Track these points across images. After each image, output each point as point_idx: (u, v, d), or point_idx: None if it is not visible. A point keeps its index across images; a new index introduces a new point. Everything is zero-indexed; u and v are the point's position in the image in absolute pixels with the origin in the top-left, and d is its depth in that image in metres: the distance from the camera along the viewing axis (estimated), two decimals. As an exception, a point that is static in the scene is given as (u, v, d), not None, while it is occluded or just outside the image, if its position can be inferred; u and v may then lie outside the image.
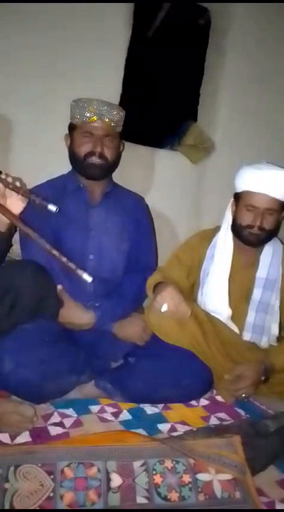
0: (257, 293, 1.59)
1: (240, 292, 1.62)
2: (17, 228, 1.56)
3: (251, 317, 1.59)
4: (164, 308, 1.41)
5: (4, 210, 1.30)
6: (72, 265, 1.17)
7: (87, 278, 1.18)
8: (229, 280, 1.62)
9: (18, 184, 1.33)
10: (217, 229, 1.71)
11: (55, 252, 1.18)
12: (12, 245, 1.57)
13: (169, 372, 1.44)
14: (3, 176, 1.33)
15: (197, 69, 2.41)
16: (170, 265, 1.70)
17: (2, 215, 1.32)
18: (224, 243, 1.65)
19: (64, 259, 1.17)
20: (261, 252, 1.63)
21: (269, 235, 1.57)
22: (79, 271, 1.17)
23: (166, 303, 1.41)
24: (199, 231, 1.79)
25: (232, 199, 1.66)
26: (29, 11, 1.87)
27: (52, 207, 1.24)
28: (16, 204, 1.36)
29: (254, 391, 1.47)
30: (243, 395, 1.47)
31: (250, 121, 2.29)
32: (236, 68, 2.24)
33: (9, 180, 1.33)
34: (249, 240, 1.58)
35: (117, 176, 1.78)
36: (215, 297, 1.62)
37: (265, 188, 1.51)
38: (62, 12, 1.92)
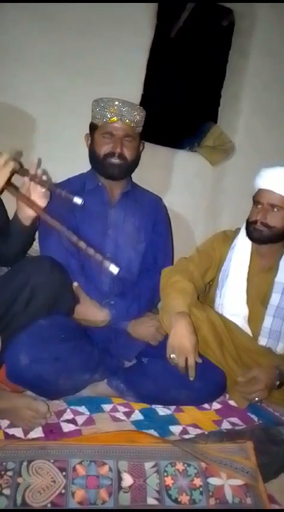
0: (275, 298, 1.58)
1: (257, 296, 1.61)
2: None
3: (268, 322, 1.57)
4: (173, 356, 1.40)
5: (31, 203, 1.32)
6: (98, 256, 1.17)
7: (114, 269, 1.18)
8: (246, 283, 1.61)
9: (44, 178, 1.35)
10: (237, 231, 1.71)
11: (82, 244, 1.18)
12: (35, 239, 1.59)
13: (181, 374, 1.44)
14: (31, 171, 1.34)
15: (219, 71, 2.40)
16: (190, 261, 1.68)
17: (29, 208, 1.34)
18: (242, 246, 1.64)
19: (91, 250, 1.17)
20: (281, 256, 1.62)
21: (275, 233, 1.56)
22: (106, 262, 1.17)
23: (175, 355, 1.39)
24: (222, 231, 1.78)
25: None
26: (51, 11, 1.89)
27: (77, 200, 1.25)
28: (41, 198, 1.39)
29: (267, 395, 1.46)
30: (256, 398, 1.45)
31: (272, 123, 2.27)
32: (258, 70, 2.22)
33: (37, 172, 1.34)
34: (254, 236, 1.59)
35: (135, 176, 1.78)
36: (233, 299, 1.61)
37: (269, 184, 1.54)
38: (84, 12, 1.93)
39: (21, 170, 1.33)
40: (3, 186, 1.24)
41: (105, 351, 1.54)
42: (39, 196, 1.39)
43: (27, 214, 1.42)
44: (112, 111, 1.56)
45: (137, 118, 1.60)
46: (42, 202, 1.40)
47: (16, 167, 1.26)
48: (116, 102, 1.57)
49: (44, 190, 1.38)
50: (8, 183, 1.23)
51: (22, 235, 1.48)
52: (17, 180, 1.38)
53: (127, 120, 1.58)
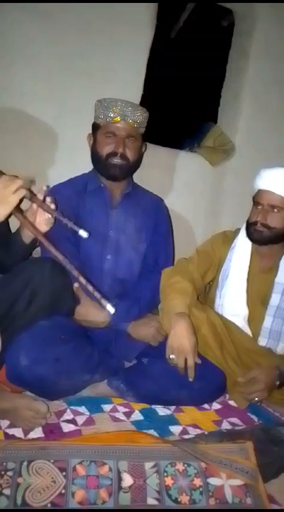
0: (275, 298, 1.58)
1: (257, 296, 1.61)
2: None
3: (268, 322, 1.58)
4: (172, 357, 1.40)
5: (34, 229, 1.33)
6: (97, 294, 1.18)
7: (110, 309, 1.19)
8: (246, 283, 1.61)
9: (52, 206, 1.36)
10: (237, 231, 1.71)
11: (82, 280, 1.18)
12: (32, 253, 1.60)
13: (181, 374, 1.44)
14: (39, 196, 1.35)
15: (219, 71, 2.41)
16: (189, 261, 1.69)
17: (31, 232, 1.35)
18: (243, 246, 1.65)
19: (90, 287, 1.18)
20: (281, 257, 1.62)
21: (275, 234, 1.56)
22: (104, 302, 1.18)
23: (175, 355, 1.40)
24: (222, 232, 1.78)
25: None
26: (51, 11, 1.89)
27: (83, 233, 1.25)
28: (44, 224, 1.41)
29: (267, 395, 1.46)
30: (256, 398, 1.45)
31: (272, 124, 2.27)
32: (259, 70, 2.22)
33: (47, 200, 1.36)
34: (254, 237, 1.59)
35: (136, 177, 1.79)
36: (233, 300, 1.61)
37: (269, 185, 1.54)
38: (84, 13, 1.93)
39: (30, 195, 1.33)
40: (11, 211, 1.24)
41: (106, 352, 1.54)
42: (43, 222, 1.41)
43: (29, 235, 1.45)
44: (115, 111, 1.56)
45: (140, 118, 1.60)
46: (44, 228, 1.41)
47: (27, 195, 1.26)
48: (119, 103, 1.57)
49: (48, 217, 1.40)
50: (16, 209, 1.24)
51: (21, 250, 1.50)
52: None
53: (130, 121, 1.58)
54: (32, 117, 1.92)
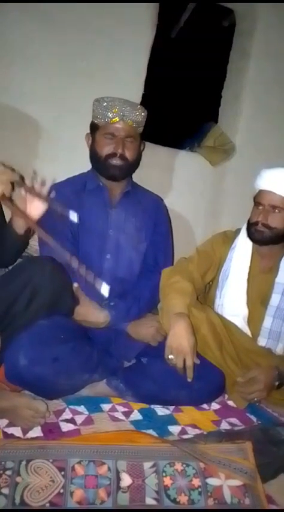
0: (275, 299, 1.58)
1: (257, 297, 1.61)
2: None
3: (268, 322, 1.57)
4: (171, 357, 1.40)
5: (25, 215, 1.32)
6: (90, 276, 1.18)
7: (105, 289, 1.18)
8: (246, 284, 1.61)
9: (42, 190, 1.36)
10: (237, 231, 1.71)
11: (74, 263, 1.18)
12: (28, 243, 1.59)
13: (180, 374, 1.44)
14: (28, 181, 1.35)
15: (220, 71, 2.41)
16: (189, 261, 1.69)
17: (23, 219, 1.34)
18: (243, 246, 1.65)
19: (82, 269, 1.18)
20: (281, 257, 1.62)
21: (276, 234, 1.56)
22: (98, 283, 1.17)
23: (174, 356, 1.39)
24: (222, 232, 1.78)
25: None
26: (52, 11, 1.89)
27: (73, 216, 1.25)
28: (37, 208, 1.41)
29: (266, 395, 1.46)
30: (255, 399, 1.46)
31: (273, 124, 2.27)
32: (259, 71, 2.22)
33: (35, 186, 1.35)
34: (255, 237, 1.59)
35: (136, 176, 1.78)
36: (233, 300, 1.61)
37: (270, 185, 1.54)
38: (84, 13, 1.93)
39: (18, 182, 1.33)
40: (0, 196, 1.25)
41: (105, 351, 1.54)
42: (35, 207, 1.40)
43: (21, 224, 1.43)
44: (114, 111, 1.55)
45: (139, 118, 1.60)
46: (37, 213, 1.41)
47: (16, 180, 1.26)
48: (118, 102, 1.56)
49: (39, 202, 1.39)
50: (5, 196, 1.24)
51: (15, 242, 1.49)
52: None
53: (129, 121, 1.57)
54: (31, 116, 1.92)
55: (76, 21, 1.93)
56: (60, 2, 1.89)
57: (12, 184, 1.31)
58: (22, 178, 1.33)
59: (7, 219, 1.54)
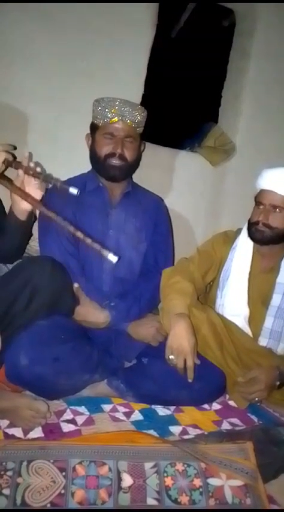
0: (276, 299, 1.58)
1: (258, 296, 1.61)
2: (36, 221, 1.59)
3: (269, 322, 1.57)
4: (171, 357, 1.40)
5: (26, 195, 1.31)
6: (96, 246, 1.16)
7: (112, 258, 1.16)
8: (247, 284, 1.61)
9: (38, 170, 1.35)
10: (238, 231, 1.71)
11: (79, 234, 1.17)
12: (32, 234, 1.59)
13: (181, 374, 1.44)
14: (23, 163, 1.34)
15: (220, 71, 2.41)
16: (190, 261, 1.68)
17: (24, 200, 1.34)
18: (244, 246, 1.65)
19: (88, 240, 1.16)
20: (282, 257, 1.62)
21: (277, 234, 1.56)
22: (104, 252, 1.16)
23: (174, 356, 1.39)
24: (223, 232, 1.78)
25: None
26: (52, 11, 1.89)
27: (73, 190, 1.24)
28: (36, 190, 1.39)
29: (267, 395, 1.46)
30: (256, 399, 1.45)
31: (273, 124, 2.27)
32: (259, 71, 2.22)
33: (30, 165, 1.34)
34: (256, 237, 1.59)
35: (136, 176, 1.78)
36: (233, 300, 1.61)
37: (271, 185, 1.54)
38: (84, 13, 1.93)
39: (14, 163, 1.33)
40: None
41: (105, 352, 1.54)
42: (34, 188, 1.39)
43: (22, 208, 1.41)
44: (113, 111, 1.55)
45: (138, 118, 1.60)
46: (37, 194, 1.39)
47: (9, 157, 1.25)
48: (117, 102, 1.56)
49: (38, 182, 1.38)
50: (2, 176, 1.23)
51: (18, 231, 1.47)
52: (11, 174, 1.38)
53: (128, 121, 1.57)
54: (31, 116, 1.92)
55: (76, 21, 1.93)
56: (60, 2, 1.88)
57: (8, 166, 1.30)
58: (15, 158, 1.32)
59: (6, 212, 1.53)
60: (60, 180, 1.29)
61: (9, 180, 1.37)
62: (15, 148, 1.38)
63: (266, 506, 0.99)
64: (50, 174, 1.36)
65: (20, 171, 1.35)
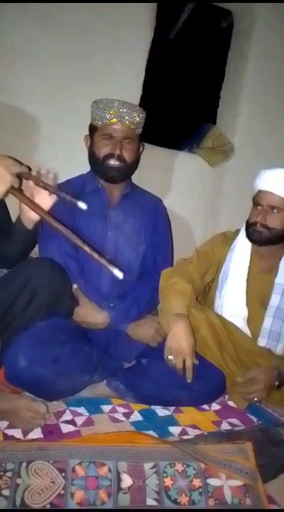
0: (275, 299, 1.58)
1: (257, 297, 1.61)
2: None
3: (267, 323, 1.58)
4: (170, 358, 1.40)
5: (35, 206, 1.32)
6: (103, 260, 1.17)
7: (118, 274, 1.17)
8: (246, 284, 1.61)
9: (50, 176, 1.36)
10: (237, 232, 1.71)
11: (87, 248, 1.17)
12: (36, 242, 1.59)
13: (180, 375, 1.44)
14: (33, 173, 1.35)
15: (218, 72, 2.41)
16: (189, 262, 1.69)
17: (33, 211, 1.34)
18: (242, 247, 1.65)
19: (96, 254, 1.17)
20: (280, 258, 1.62)
21: (275, 235, 1.56)
22: (111, 267, 1.16)
23: (173, 356, 1.39)
24: (222, 232, 1.79)
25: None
26: (51, 12, 1.89)
27: (82, 205, 1.25)
28: (45, 201, 1.40)
29: (266, 395, 1.46)
30: (255, 399, 1.46)
31: (271, 125, 2.28)
32: (258, 71, 2.23)
33: (41, 173, 1.36)
34: (254, 238, 1.59)
35: (135, 177, 1.78)
36: (232, 300, 1.61)
37: (269, 185, 1.54)
38: (84, 14, 1.94)
39: (26, 174, 1.34)
40: (9, 189, 1.24)
41: (105, 353, 1.54)
42: (43, 199, 1.40)
43: (30, 218, 1.42)
44: (111, 112, 1.55)
45: (137, 119, 1.59)
46: (46, 205, 1.40)
47: (23, 169, 1.26)
48: (116, 104, 1.56)
49: (48, 193, 1.39)
50: (12, 186, 1.24)
51: (24, 239, 1.48)
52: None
53: (126, 122, 1.57)
54: (31, 116, 1.92)
55: (76, 22, 1.93)
56: (60, 2, 1.89)
57: (20, 177, 1.31)
58: (29, 169, 1.33)
59: (14, 217, 1.53)
60: (70, 193, 1.29)
61: (20, 190, 1.37)
62: (30, 170, 1.40)
63: (265, 506, 1.00)
64: (59, 186, 1.38)
65: (31, 182, 1.37)
